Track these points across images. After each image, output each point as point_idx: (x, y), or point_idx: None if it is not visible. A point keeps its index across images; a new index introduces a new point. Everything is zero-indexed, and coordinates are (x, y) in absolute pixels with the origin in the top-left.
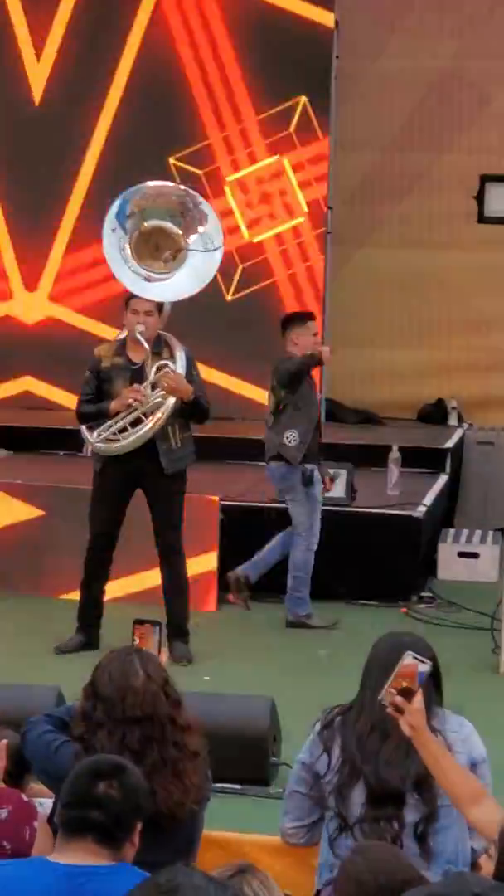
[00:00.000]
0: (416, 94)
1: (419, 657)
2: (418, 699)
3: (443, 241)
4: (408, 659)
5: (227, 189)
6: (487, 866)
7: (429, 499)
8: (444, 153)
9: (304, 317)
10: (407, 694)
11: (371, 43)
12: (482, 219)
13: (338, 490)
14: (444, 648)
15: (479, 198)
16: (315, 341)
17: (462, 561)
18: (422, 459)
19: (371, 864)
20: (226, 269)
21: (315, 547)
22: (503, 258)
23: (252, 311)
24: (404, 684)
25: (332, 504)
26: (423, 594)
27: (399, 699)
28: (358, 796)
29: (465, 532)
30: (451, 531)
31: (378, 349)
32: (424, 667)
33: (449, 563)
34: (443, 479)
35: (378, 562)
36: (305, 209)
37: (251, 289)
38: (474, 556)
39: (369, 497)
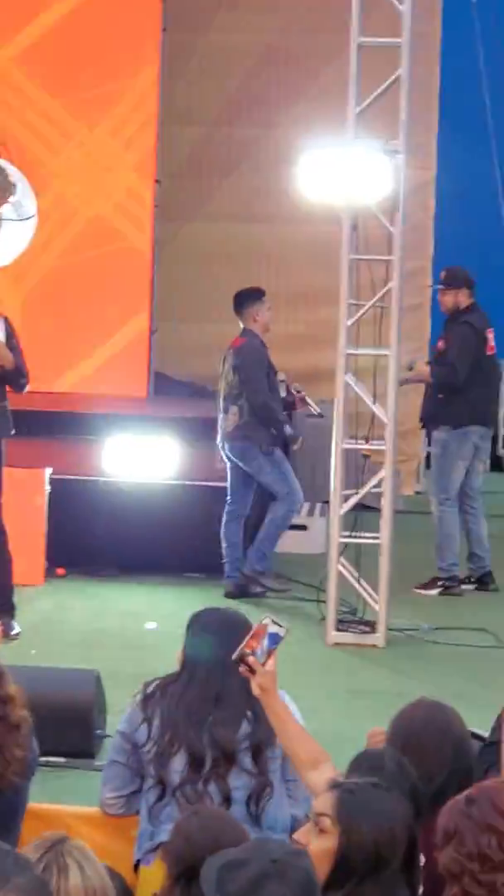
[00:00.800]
0: (244, 68)
1: (277, 621)
2: (271, 662)
3: (271, 215)
4: (265, 620)
5: (55, 161)
6: (304, 837)
7: None
8: (272, 128)
9: (260, 293)
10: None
11: (199, 17)
12: (306, 192)
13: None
14: None
15: (303, 172)
16: (271, 317)
17: (290, 533)
18: None
19: (203, 823)
20: None
21: (296, 508)
22: (329, 232)
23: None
24: (255, 645)
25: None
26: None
27: (252, 659)
28: (178, 764)
29: None
30: None
31: (208, 323)
32: (278, 629)
33: None
34: None
35: (207, 535)
36: (134, 183)
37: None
38: (302, 528)
39: (199, 470)
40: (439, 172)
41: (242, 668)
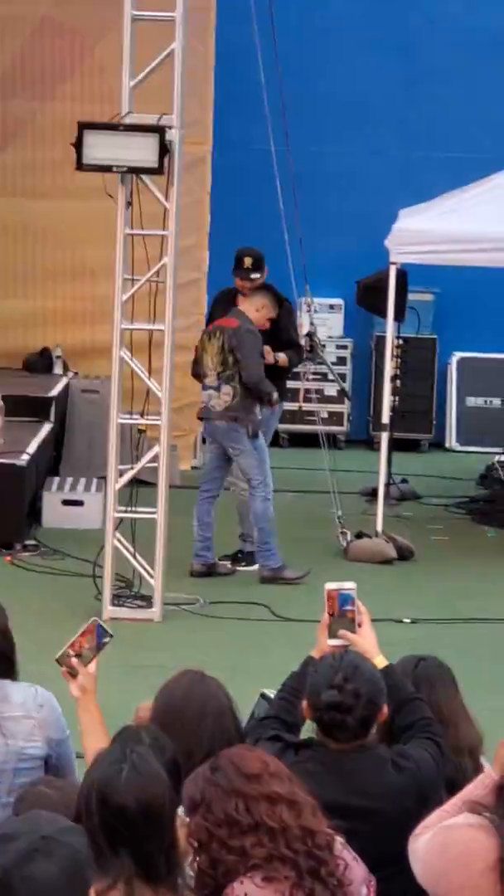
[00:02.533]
0: (19, 40)
1: (103, 624)
2: (93, 665)
3: (46, 190)
4: (93, 621)
5: None
6: None
7: (32, 447)
8: (48, 101)
9: (278, 297)
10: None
11: None
12: (80, 167)
13: None
14: (50, 596)
15: (78, 146)
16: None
17: (67, 509)
18: (27, 408)
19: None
20: None
21: (271, 496)
22: (104, 207)
23: None
24: (82, 646)
25: None
26: (28, 542)
27: (74, 661)
28: None
29: (70, 480)
30: (56, 479)
31: None
32: (105, 635)
33: (54, 512)
34: (47, 428)
35: None
36: None
37: None
38: (79, 503)
39: None
40: (216, 147)
41: (63, 670)
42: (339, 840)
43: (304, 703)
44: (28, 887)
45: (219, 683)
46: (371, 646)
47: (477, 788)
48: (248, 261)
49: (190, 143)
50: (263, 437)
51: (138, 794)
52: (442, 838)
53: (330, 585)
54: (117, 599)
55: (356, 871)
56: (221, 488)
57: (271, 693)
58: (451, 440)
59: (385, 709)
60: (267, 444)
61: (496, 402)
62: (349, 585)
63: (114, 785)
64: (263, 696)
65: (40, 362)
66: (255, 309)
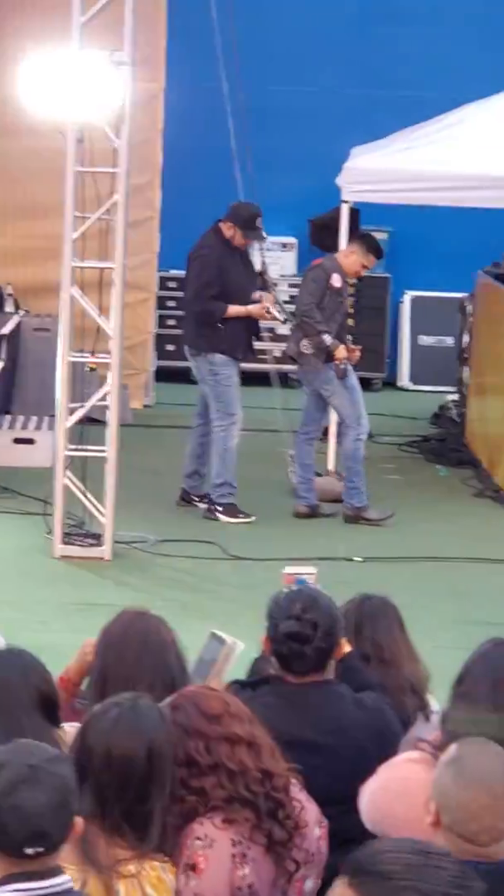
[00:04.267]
0: None
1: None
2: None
3: None
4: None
5: None
6: None
7: None
8: None
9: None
10: None
11: None
12: (31, 105)
13: None
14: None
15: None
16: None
17: (17, 447)
18: None
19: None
20: None
21: (364, 437)
22: (55, 144)
23: None
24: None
25: None
26: None
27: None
28: None
29: (21, 419)
30: (7, 418)
31: None
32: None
33: (4, 450)
34: None
35: None
36: None
37: None
38: (30, 442)
39: None
40: (168, 86)
41: None
42: (294, 782)
43: (264, 637)
44: (16, 815)
45: (161, 620)
46: None
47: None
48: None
49: (141, 80)
50: (351, 376)
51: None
52: (385, 775)
53: (288, 569)
54: (68, 537)
55: (310, 812)
56: (321, 430)
57: (222, 634)
58: (404, 379)
59: (343, 644)
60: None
61: (448, 340)
62: (308, 571)
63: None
64: (213, 635)
65: None
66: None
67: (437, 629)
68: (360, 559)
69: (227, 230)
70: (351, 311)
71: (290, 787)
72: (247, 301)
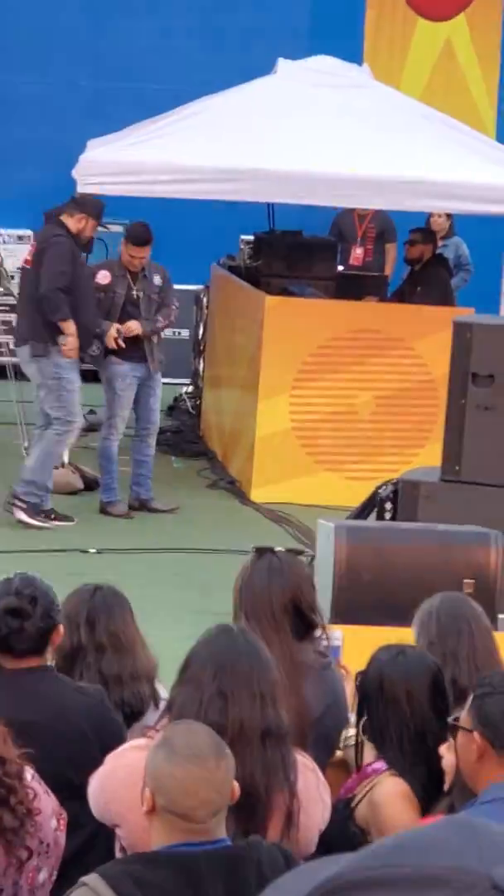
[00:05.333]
0: None
1: None
2: None
3: None
4: None
5: None
6: None
7: None
8: None
9: None
10: None
11: None
12: None
13: None
14: None
15: None
16: None
17: None
18: None
19: None
20: None
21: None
22: None
23: None
24: None
25: None
26: None
27: None
28: None
29: None
30: None
31: None
32: None
33: None
34: None
35: None
36: None
37: None
38: None
39: None
40: None
41: None
42: (29, 770)
43: None
44: None
45: None
46: None
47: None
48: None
49: None
50: None
51: None
52: (111, 763)
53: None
54: None
55: (46, 801)
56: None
57: None
58: None
59: (61, 629)
60: None
61: (184, 333)
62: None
63: None
64: None
65: None
66: None
67: (171, 620)
68: (94, 550)
69: (77, 222)
70: None
71: (24, 774)
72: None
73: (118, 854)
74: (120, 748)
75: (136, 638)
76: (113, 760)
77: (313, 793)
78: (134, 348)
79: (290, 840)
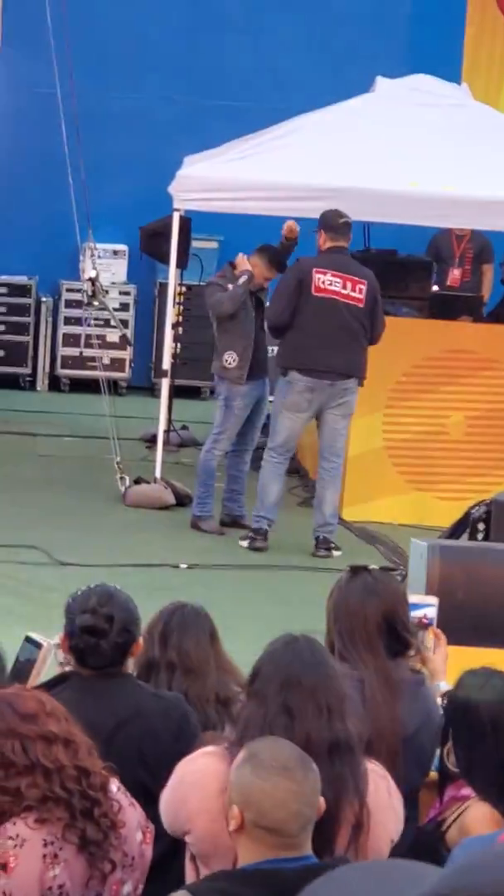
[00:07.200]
0: None
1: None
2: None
3: None
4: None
5: None
6: None
7: None
8: None
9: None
10: None
11: None
12: None
13: None
14: None
15: None
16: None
17: None
18: None
19: None
20: None
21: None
22: None
23: None
24: None
25: None
26: None
27: None
28: None
29: None
30: None
31: None
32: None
33: None
34: None
35: None
36: None
37: None
38: None
39: None
40: (1, 90)
41: None
42: (114, 782)
43: (61, 635)
44: None
45: None
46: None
47: None
48: None
49: None
50: None
51: None
52: (181, 770)
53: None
54: None
55: (131, 814)
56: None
57: (37, 637)
58: None
59: (140, 641)
60: None
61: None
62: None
63: None
64: (28, 638)
65: None
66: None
67: (261, 637)
68: (184, 566)
69: None
70: (179, 319)
71: (109, 786)
72: None
73: (188, 863)
74: (191, 755)
75: (208, 659)
76: (182, 766)
77: (384, 801)
78: (258, 366)
79: (358, 848)
